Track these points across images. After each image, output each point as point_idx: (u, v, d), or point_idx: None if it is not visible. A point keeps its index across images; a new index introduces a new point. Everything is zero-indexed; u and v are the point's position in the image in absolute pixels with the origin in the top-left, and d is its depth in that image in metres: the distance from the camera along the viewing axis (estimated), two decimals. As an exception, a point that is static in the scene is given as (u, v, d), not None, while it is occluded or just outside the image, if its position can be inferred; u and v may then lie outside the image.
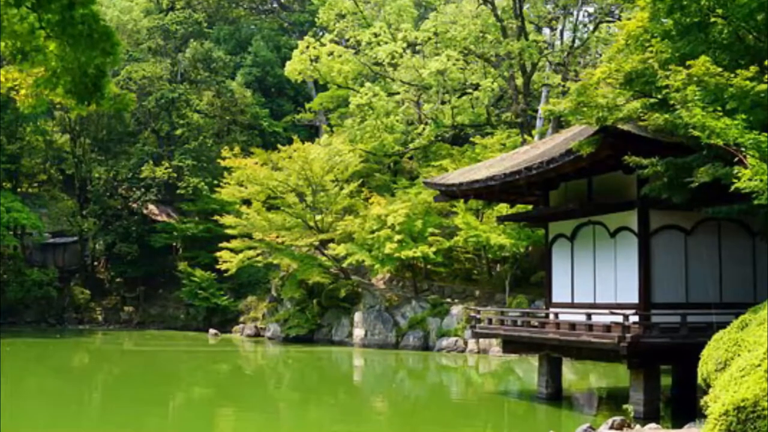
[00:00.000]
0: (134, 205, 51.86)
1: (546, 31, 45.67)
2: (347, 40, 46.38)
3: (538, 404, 21.30)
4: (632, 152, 16.62)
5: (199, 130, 52.33)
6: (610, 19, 40.38)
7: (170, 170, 50.03)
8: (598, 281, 20.19)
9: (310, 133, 55.48)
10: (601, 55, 38.81)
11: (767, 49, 16.02)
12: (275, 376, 31.32)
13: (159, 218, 52.31)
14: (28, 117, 46.09)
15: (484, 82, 40.29)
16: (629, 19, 19.57)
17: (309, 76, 46.01)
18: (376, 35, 42.33)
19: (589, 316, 19.23)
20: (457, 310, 36.08)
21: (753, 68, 14.93)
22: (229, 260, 40.82)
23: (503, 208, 32.37)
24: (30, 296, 49.28)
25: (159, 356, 36.68)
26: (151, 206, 52.45)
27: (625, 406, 18.06)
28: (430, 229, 36.99)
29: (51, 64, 9.39)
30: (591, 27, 42.29)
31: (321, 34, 51.83)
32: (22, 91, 10.01)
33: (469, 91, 42.21)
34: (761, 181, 13.56)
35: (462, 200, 29.37)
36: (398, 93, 43.32)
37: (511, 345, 23.28)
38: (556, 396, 21.44)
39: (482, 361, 32.45)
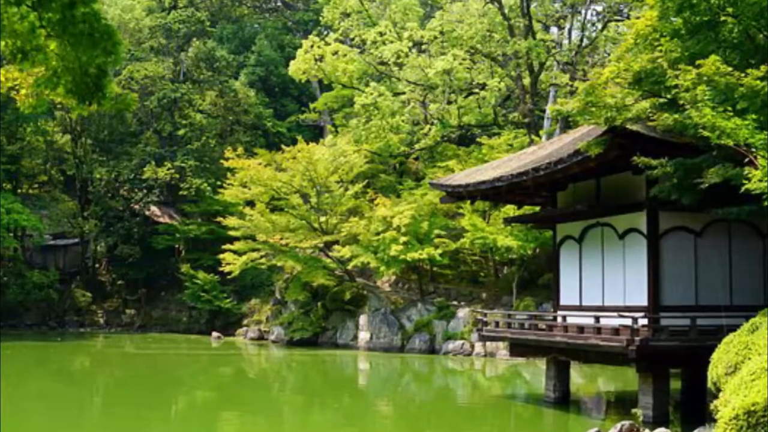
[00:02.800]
0: (136, 207, 51.56)
1: (554, 29, 45.46)
2: (352, 39, 46.20)
3: (545, 408, 21.15)
4: (641, 153, 16.48)
5: (201, 131, 52.13)
6: (619, 17, 40.17)
7: (172, 171, 49.78)
8: (606, 283, 20.01)
9: (315, 133, 55.29)
10: (609, 55, 38.61)
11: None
12: (279, 380, 31.18)
13: (161, 220, 52.08)
14: (29, 117, 45.81)
15: (491, 81, 40.11)
16: (638, 17, 19.43)
17: (313, 76, 45.86)
18: (381, 34, 42.13)
19: (597, 318, 19.04)
20: (463, 312, 35.88)
21: (764, 67, 14.83)
22: (232, 262, 40.62)
23: (510, 210, 32.16)
24: (30, 299, 49.08)
25: (161, 359, 36.53)
26: (153, 207, 52.21)
27: (633, 410, 17.89)
28: (436, 231, 36.80)
29: (52, 64, 9.26)
30: (599, 26, 42.07)
31: (325, 33, 51.71)
32: (23, 91, 9.90)
33: (476, 90, 41.96)
34: (772, 182, 13.42)
35: (468, 201, 29.30)
36: (404, 93, 43.14)
37: (518, 348, 23.18)
38: (563, 400, 21.28)
39: (489, 365, 32.28)
